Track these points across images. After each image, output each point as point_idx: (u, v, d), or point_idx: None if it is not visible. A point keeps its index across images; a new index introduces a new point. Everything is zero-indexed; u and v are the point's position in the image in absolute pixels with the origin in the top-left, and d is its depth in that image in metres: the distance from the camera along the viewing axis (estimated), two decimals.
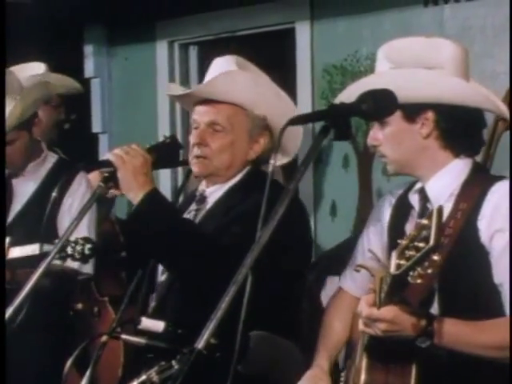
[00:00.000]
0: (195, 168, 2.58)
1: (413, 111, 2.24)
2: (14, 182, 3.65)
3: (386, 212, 2.46)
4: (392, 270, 1.94)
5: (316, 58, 5.16)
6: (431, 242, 1.84)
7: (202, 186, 2.68)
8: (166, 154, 2.57)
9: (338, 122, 1.86)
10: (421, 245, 1.87)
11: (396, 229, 2.39)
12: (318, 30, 5.13)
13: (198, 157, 2.56)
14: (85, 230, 3.54)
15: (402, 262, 1.91)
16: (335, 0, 5.03)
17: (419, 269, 1.88)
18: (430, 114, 2.24)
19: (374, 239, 2.49)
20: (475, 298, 2.19)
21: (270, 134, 2.59)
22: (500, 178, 2.29)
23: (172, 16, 5.79)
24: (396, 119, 2.23)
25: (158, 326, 2.05)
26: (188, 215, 2.66)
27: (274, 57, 5.45)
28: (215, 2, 5.47)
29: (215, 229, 2.48)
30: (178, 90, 2.69)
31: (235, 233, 2.37)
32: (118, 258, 4.60)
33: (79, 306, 4.73)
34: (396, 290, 1.98)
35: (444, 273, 2.03)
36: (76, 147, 5.17)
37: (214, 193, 2.63)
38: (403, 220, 2.38)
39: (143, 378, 2.00)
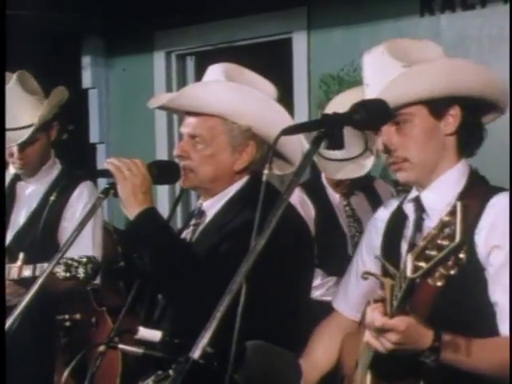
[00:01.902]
0: (181, 181, 2.55)
1: (440, 106, 2.11)
2: (18, 185, 3.67)
3: (378, 226, 2.35)
4: (409, 273, 1.80)
5: (313, 68, 5.18)
6: (457, 238, 1.71)
7: (200, 200, 2.65)
8: (168, 170, 2.56)
9: (330, 132, 1.85)
10: (444, 243, 1.74)
11: (390, 243, 2.28)
12: (314, 40, 5.15)
13: (183, 169, 2.54)
14: (88, 242, 3.55)
15: (421, 263, 1.78)
16: (332, 10, 5.04)
17: (442, 269, 1.77)
18: (458, 109, 2.12)
19: (366, 258, 2.38)
20: (468, 316, 2.07)
21: (257, 144, 2.52)
22: (499, 189, 2.14)
23: (169, 27, 5.81)
24: (422, 116, 2.11)
25: (155, 335, 2.05)
26: (187, 230, 2.64)
27: (271, 67, 5.45)
28: (212, 13, 5.49)
29: (208, 248, 2.45)
30: (157, 101, 2.65)
31: (223, 253, 2.34)
32: (116, 268, 4.60)
33: (77, 316, 4.72)
34: (411, 295, 1.87)
35: (442, 291, 1.90)
36: (74, 157, 5.19)
37: (211, 207, 2.58)
38: (398, 232, 2.25)
39: None
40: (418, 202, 2.20)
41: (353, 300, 2.41)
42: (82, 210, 3.55)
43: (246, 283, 1.82)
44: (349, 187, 4.04)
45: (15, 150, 3.56)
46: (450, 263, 1.76)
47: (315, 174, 4.14)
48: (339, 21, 5.02)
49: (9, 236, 3.59)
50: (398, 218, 2.27)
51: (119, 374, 4.13)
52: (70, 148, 5.53)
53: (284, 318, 2.37)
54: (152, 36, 5.99)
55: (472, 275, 2.03)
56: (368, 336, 1.97)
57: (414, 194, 2.23)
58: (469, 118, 2.13)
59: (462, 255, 1.75)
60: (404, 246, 2.20)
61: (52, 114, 3.64)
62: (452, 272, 1.76)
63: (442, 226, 1.76)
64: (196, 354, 1.67)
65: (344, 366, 2.31)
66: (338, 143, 1.88)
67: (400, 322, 1.89)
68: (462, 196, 2.10)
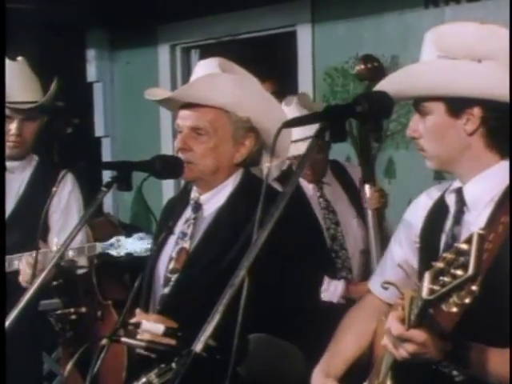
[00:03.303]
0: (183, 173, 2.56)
1: (458, 106, 2.07)
2: (7, 177, 3.67)
3: (419, 214, 2.29)
4: (424, 294, 1.76)
5: (317, 61, 5.17)
6: (470, 271, 1.66)
7: (195, 192, 2.64)
8: (170, 164, 2.56)
9: (333, 124, 1.84)
10: (458, 272, 1.69)
11: (430, 234, 2.22)
12: (319, 33, 5.14)
13: (183, 162, 2.54)
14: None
15: (436, 287, 1.74)
16: (336, 3, 5.03)
17: (455, 297, 1.72)
18: (477, 110, 2.06)
19: (405, 244, 2.32)
20: (505, 325, 1.97)
21: (255, 136, 2.53)
22: None
23: (174, 20, 5.80)
24: (439, 112, 2.09)
25: (157, 328, 2.05)
26: (186, 224, 2.63)
27: (275, 60, 5.47)
28: (217, 6, 5.48)
29: (223, 245, 2.43)
30: (160, 94, 2.65)
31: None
32: (121, 262, 4.61)
33: (83, 309, 4.75)
34: (427, 314, 1.82)
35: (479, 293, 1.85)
36: (79, 151, 5.20)
37: (210, 200, 2.58)
38: (439, 224, 2.20)
39: (143, 380, 2.01)
40: (459, 193, 2.16)
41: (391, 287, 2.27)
42: (67, 197, 3.58)
43: (253, 277, 1.82)
44: (315, 174, 4.01)
45: (14, 125, 3.53)
46: (463, 293, 1.72)
47: (288, 167, 4.09)
48: (343, 13, 5.01)
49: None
50: (440, 209, 2.22)
51: (125, 367, 4.13)
52: (74, 142, 5.56)
53: (291, 313, 2.37)
54: (156, 29, 5.99)
55: (509, 279, 1.98)
56: (386, 341, 1.96)
57: (457, 184, 2.18)
58: (492, 119, 2.07)
59: (474, 287, 1.70)
60: (444, 239, 2.16)
61: (52, 102, 3.63)
62: (466, 301, 1.72)
63: (458, 253, 1.72)
64: (198, 347, 1.66)
65: (374, 353, 2.27)
66: (340, 135, 1.87)
67: (417, 334, 1.87)
68: (505, 195, 2.05)
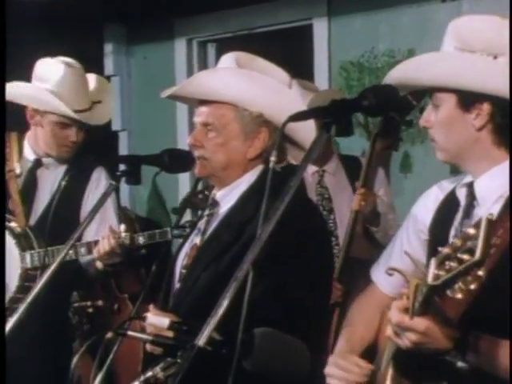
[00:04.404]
0: (196, 169, 2.55)
1: (468, 99, 2.07)
2: (39, 171, 3.66)
3: (429, 206, 2.28)
4: (429, 280, 1.76)
5: (333, 55, 5.16)
6: (477, 255, 1.66)
7: (214, 189, 2.65)
8: (179, 158, 2.56)
9: (339, 119, 1.84)
10: (465, 257, 1.68)
11: (440, 227, 2.22)
12: (335, 27, 5.13)
13: (198, 158, 2.54)
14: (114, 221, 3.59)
15: (442, 272, 1.73)
16: None
17: (460, 283, 1.71)
18: (486, 106, 2.06)
19: (412, 237, 2.31)
20: (507, 319, 1.96)
21: (269, 131, 2.50)
22: None
23: (190, 14, 5.80)
24: (449, 105, 2.09)
25: (163, 322, 2.05)
26: (202, 221, 2.63)
27: (291, 54, 5.45)
28: (233, 0, 5.47)
29: (227, 243, 2.44)
30: (171, 90, 2.65)
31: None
32: (137, 255, 4.63)
33: (99, 302, 4.78)
34: (432, 301, 1.82)
35: (485, 286, 1.82)
36: (96, 145, 5.20)
37: (225, 197, 2.57)
38: (449, 217, 2.19)
39: (149, 374, 2.00)
40: (470, 188, 2.16)
41: (394, 276, 2.23)
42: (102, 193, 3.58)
43: (261, 272, 1.82)
44: (317, 159, 4.03)
45: (73, 133, 3.57)
46: (469, 278, 1.71)
47: None
48: (359, 7, 5.00)
49: (32, 221, 3.61)
50: (451, 202, 2.22)
51: (141, 360, 4.15)
52: (92, 136, 5.56)
53: (301, 308, 2.37)
54: (173, 23, 5.99)
55: None
56: (389, 330, 1.95)
57: (468, 178, 2.18)
58: (501, 116, 2.07)
59: (481, 272, 1.70)
60: (453, 233, 2.16)
61: None
62: (472, 287, 1.72)
63: (466, 238, 1.71)
64: (201, 341, 1.66)
65: (379, 346, 2.26)
66: (346, 130, 1.87)
67: (419, 323, 1.86)
68: None
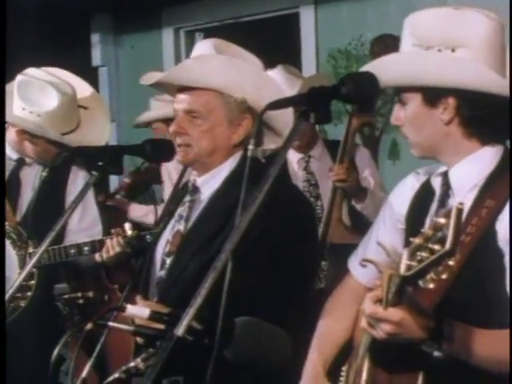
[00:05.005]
0: (178, 156, 2.54)
1: (433, 96, 2.07)
2: (22, 170, 3.63)
3: (405, 195, 2.25)
4: (402, 271, 1.76)
5: (320, 43, 5.16)
6: (447, 245, 1.66)
7: (193, 175, 2.64)
8: (162, 147, 2.56)
9: (317, 106, 1.82)
10: (436, 247, 1.68)
11: (415, 216, 2.21)
12: (322, 15, 5.12)
13: (179, 145, 2.53)
14: (96, 216, 3.59)
15: (413, 263, 1.74)
16: None
17: (432, 273, 1.71)
18: (451, 100, 2.05)
19: (389, 225, 2.31)
20: (487, 307, 1.98)
21: (253, 117, 2.50)
22: None
23: (177, 3, 5.79)
24: (415, 102, 2.09)
25: (143, 312, 2.04)
26: (182, 207, 2.63)
27: (279, 42, 5.44)
28: None
29: (215, 228, 2.43)
30: (153, 78, 2.63)
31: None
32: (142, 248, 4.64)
33: (90, 293, 4.76)
34: (405, 291, 1.83)
35: (459, 275, 1.86)
36: None
37: (206, 183, 2.57)
38: (424, 206, 2.18)
39: (131, 365, 2.00)
40: (445, 177, 2.15)
41: (370, 266, 2.20)
42: (82, 183, 3.57)
43: (240, 261, 1.82)
44: (302, 144, 4.05)
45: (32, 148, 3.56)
46: (440, 268, 1.71)
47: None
48: None
49: (18, 217, 3.59)
50: (426, 192, 2.21)
51: (133, 349, 4.14)
52: None
53: (287, 296, 2.36)
54: (160, 13, 5.98)
55: (492, 262, 1.98)
56: (364, 322, 1.95)
57: (443, 168, 2.18)
58: (466, 108, 2.07)
59: (451, 262, 1.70)
60: (428, 222, 2.11)
61: None
62: (443, 277, 1.71)
63: (436, 227, 1.71)
64: (180, 330, 1.66)
65: (355, 338, 2.25)
66: (325, 117, 1.86)
67: (393, 313, 1.86)
68: (490, 179, 2.06)
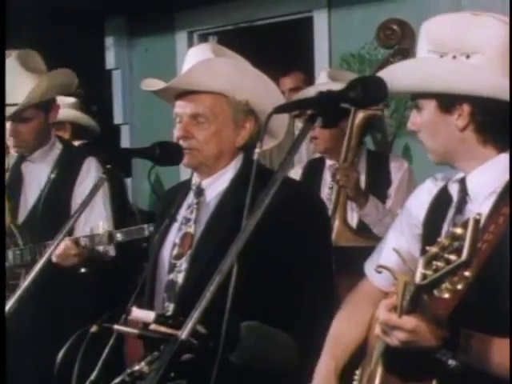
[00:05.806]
0: (185, 160, 2.55)
1: (447, 102, 2.08)
2: (23, 165, 3.64)
3: (423, 201, 2.25)
4: (417, 279, 1.77)
5: (334, 47, 5.16)
6: (463, 256, 1.66)
7: (196, 177, 2.64)
8: (170, 151, 2.55)
9: (325, 110, 1.82)
10: (452, 257, 1.68)
11: (433, 222, 2.20)
12: (335, 19, 5.12)
13: (186, 149, 2.53)
14: (103, 215, 3.56)
15: (429, 272, 1.74)
16: None
17: (447, 283, 1.72)
18: (466, 106, 2.06)
19: (407, 231, 2.29)
20: (502, 314, 1.94)
21: (254, 119, 2.54)
22: None
23: (191, 7, 5.80)
24: (430, 108, 2.10)
25: (148, 316, 2.04)
26: (188, 210, 2.62)
27: (292, 46, 5.44)
28: None
29: (228, 232, 2.42)
30: (156, 84, 2.63)
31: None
32: (140, 249, 4.63)
33: None
34: (419, 300, 1.83)
35: (475, 281, 1.82)
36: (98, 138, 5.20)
37: (211, 185, 2.58)
38: (442, 212, 2.18)
39: (136, 368, 2.00)
40: (462, 183, 2.15)
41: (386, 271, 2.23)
42: (91, 184, 3.55)
43: (245, 264, 1.81)
44: (331, 149, 3.95)
45: (8, 128, 3.51)
46: (455, 278, 1.71)
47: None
48: None
49: (21, 216, 3.57)
50: (443, 198, 2.21)
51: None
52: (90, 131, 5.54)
53: (287, 301, 2.36)
54: (174, 16, 5.99)
55: (508, 269, 1.95)
56: (378, 329, 1.95)
57: (460, 174, 2.17)
58: (481, 115, 2.07)
59: (467, 273, 1.70)
60: (445, 228, 2.15)
61: (51, 95, 3.58)
62: (458, 287, 1.71)
63: (453, 237, 1.71)
64: (184, 334, 1.65)
65: (369, 342, 2.24)
66: (332, 121, 1.85)
67: (407, 321, 1.86)
68: (507, 187, 2.05)
